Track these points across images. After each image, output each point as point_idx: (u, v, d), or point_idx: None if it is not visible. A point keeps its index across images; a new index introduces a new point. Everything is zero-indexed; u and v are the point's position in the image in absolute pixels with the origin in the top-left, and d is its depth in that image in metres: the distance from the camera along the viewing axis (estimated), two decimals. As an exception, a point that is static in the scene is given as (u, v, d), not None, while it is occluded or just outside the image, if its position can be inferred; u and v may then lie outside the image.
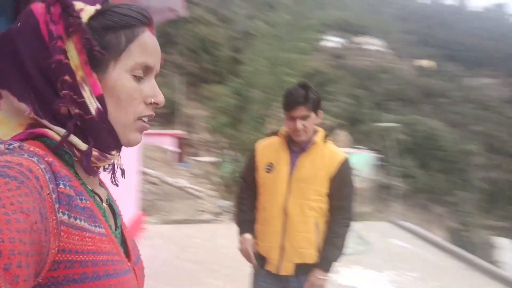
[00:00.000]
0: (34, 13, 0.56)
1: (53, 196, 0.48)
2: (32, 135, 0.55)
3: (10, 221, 0.36)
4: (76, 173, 0.58)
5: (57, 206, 0.48)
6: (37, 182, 0.45)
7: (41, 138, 0.55)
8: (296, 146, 1.99)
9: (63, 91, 0.55)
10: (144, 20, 0.61)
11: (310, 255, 1.93)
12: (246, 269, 2.24)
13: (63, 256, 0.48)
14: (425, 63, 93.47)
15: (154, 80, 0.64)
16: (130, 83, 0.59)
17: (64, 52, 0.55)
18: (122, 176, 0.69)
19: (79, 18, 0.56)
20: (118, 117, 0.59)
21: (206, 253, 5.07)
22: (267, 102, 11.88)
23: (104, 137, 0.59)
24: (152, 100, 0.62)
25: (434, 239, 6.18)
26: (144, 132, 0.65)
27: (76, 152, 0.58)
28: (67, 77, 0.55)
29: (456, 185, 35.66)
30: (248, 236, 2.03)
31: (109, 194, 0.70)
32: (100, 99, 0.57)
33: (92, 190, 0.61)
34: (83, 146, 0.57)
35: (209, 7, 40.21)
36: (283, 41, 12.55)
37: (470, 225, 25.77)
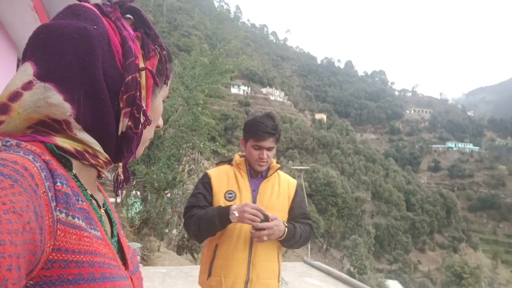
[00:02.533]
0: (101, 18, 0.58)
1: (49, 194, 0.47)
2: (42, 143, 0.54)
3: (1, 222, 0.36)
4: (75, 176, 0.57)
5: (53, 204, 0.47)
6: (32, 180, 0.44)
7: (45, 143, 0.54)
8: (255, 173, 1.97)
9: (137, 105, 0.59)
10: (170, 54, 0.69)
11: (274, 286, 1.88)
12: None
13: (58, 255, 0.47)
14: (320, 116, 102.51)
15: None
16: (161, 108, 0.69)
17: (140, 71, 0.59)
18: (126, 184, 0.71)
19: (164, 49, 0.64)
20: (146, 135, 0.66)
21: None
22: (181, 140, 11.72)
23: (133, 149, 0.62)
24: (159, 124, 0.72)
25: (343, 277, 6.51)
26: None
27: (87, 155, 0.59)
28: (137, 93, 0.59)
29: (351, 230, 38.49)
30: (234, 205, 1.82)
31: (106, 202, 0.70)
32: (147, 119, 0.62)
33: (89, 194, 0.61)
34: (103, 154, 0.60)
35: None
36: (199, 82, 12.75)
37: (365, 268, 27.76)
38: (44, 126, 0.54)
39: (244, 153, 2.01)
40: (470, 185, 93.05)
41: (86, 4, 0.58)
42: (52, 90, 0.52)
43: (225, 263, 1.85)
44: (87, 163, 0.59)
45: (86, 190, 0.60)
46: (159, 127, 0.73)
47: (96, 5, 0.59)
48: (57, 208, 0.48)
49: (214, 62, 13.28)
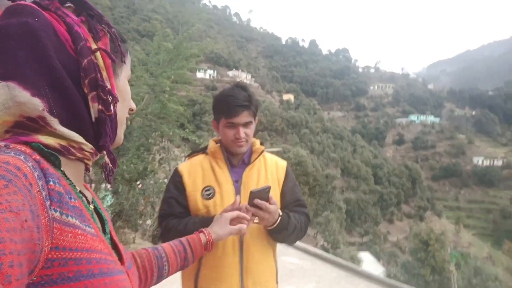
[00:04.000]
0: (41, 11, 0.57)
1: (44, 193, 0.47)
2: (24, 142, 0.53)
3: None
4: (64, 174, 0.57)
5: (48, 203, 0.48)
6: (25, 180, 0.44)
7: (29, 143, 0.53)
8: (236, 160, 1.67)
9: (101, 87, 0.59)
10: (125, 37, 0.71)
11: None
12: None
13: (57, 253, 0.47)
14: (287, 97, 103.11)
15: None
16: (129, 88, 0.70)
17: (93, 53, 0.59)
18: (111, 175, 0.71)
19: (112, 27, 0.63)
20: (120, 117, 0.66)
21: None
22: (149, 129, 11.49)
23: (108, 132, 0.62)
24: (132, 107, 0.73)
25: (318, 253, 6.74)
26: None
27: (73, 150, 0.58)
28: (98, 76, 0.59)
29: (323, 207, 39.51)
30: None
31: (95, 200, 0.70)
32: (115, 99, 0.62)
33: (80, 191, 0.61)
34: (88, 146, 0.60)
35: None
36: (164, 69, 12.44)
37: (338, 243, 28.69)
38: (21, 128, 0.53)
39: (219, 137, 1.72)
40: (433, 156, 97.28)
41: (22, 2, 0.57)
42: (16, 88, 0.51)
43: (213, 273, 1.58)
44: (73, 157, 0.59)
45: (75, 187, 0.60)
46: (132, 110, 0.74)
47: (34, 2, 0.58)
48: (52, 207, 0.48)
49: (178, 47, 12.96)
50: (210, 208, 1.58)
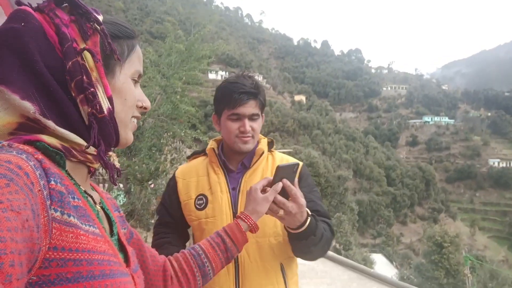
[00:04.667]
0: (33, 15, 0.57)
1: (45, 193, 0.47)
2: (28, 141, 0.53)
3: (0, 220, 0.36)
4: (68, 173, 0.57)
5: (48, 202, 0.47)
6: (27, 179, 0.44)
7: (33, 143, 0.54)
8: (234, 163, 1.44)
9: (87, 89, 0.57)
10: (137, 33, 0.69)
11: None
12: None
13: (55, 254, 0.47)
14: (299, 98, 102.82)
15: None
16: (132, 87, 0.66)
17: (80, 53, 0.57)
18: (118, 176, 0.69)
19: (101, 24, 0.61)
20: (122, 117, 0.63)
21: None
22: (161, 130, 11.58)
23: (110, 135, 0.61)
24: (143, 104, 0.69)
25: (330, 255, 6.68)
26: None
27: (74, 152, 0.58)
28: (84, 78, 0.57)
29: (335, 208, 39.26)
30: None
31: (103, 201, 0.70)
32: (110, 99, 0.61)
33: (85, 191, 0.61)
34: (80, 141, 0.58)
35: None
36: (176, 70, 12.53)
37: (350, 244, 28.44)
38: (25, 130, 0.54)
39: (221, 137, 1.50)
40: (447, 157, 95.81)
41: (21, 7, 0.57)
42: (6, 92, 0.52)
43: None
44: (75, 160, 0.59)
45: (80, 187, 0.60)
46: (145, 108, 0.71)
47: (32, 6, 0.59)
48: (52, 207, 0.48)
49: (190, 48, 13.06)
50: (202, 220, 1.38)
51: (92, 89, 0.58)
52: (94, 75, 0.59)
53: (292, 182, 1.09)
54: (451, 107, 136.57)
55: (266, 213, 1.08)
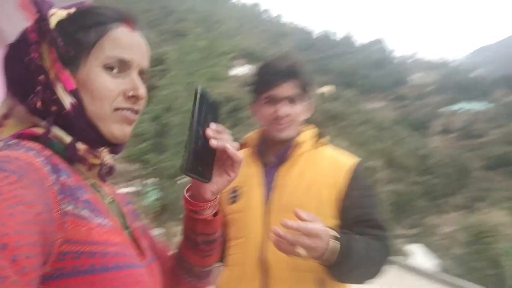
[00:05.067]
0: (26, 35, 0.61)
1: (56, 187, 0.48)
2: (23, 135, 0.56)
3: (13, 214, 0.36)
4: (78, 168, 0.59)
5: (60, 197, 0.48)
6: (37, 174, 0.46)
7: (39, 139, 0.56)
8: (271, 155, 1.30)
9: (36, 89, 0.57)
10: (116, 17, 0.63)
11: None
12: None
13: (69, 247, 0.48)
14: (326, 89, 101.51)
15: (137, 75, 0.64)
16: (102, 77, 0.60)
17: (37, 53, 0.58)
18: (111, 173, 0.67)
19: (46, 21, 0.59)
20: (95, 110, 0.60)
21: None
22: (187, 126, 11.62)
23: (84, 130, 0.59)
24: (131, 93, 0.62)
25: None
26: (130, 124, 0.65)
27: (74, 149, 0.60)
28: (41, 77, 0.57)
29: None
30: None
31: (113, 194, 0.70)
32: (75, 94, 0.59)
33: (95, 184, 0.62)
34: (67, 139, 0.59)
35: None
36: (198, 67, 12.57)
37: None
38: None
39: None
40: (483, 145, 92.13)
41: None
42: (14, 100, 0.60)
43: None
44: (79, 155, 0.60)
45: (89, 180, 0.61)
46: (136, 97, 0.64)
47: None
48: (64, 201, 0.49)
49: (211, 45, 13.10)
50: (233, 215, 1.27)
51: (47, 91, 0.58)
52: (53, 72, 0.58)
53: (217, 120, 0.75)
54: (484, 93, 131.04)
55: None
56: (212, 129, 0.68)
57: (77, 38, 0.59)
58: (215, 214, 0.76)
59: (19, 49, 0.59)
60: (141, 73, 0.65)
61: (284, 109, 1.22)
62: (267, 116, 1.25)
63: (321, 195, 1.22)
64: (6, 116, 0.59)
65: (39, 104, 0.57)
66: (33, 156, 0.48)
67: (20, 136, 0.56)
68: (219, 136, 0.68)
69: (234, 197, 1.29)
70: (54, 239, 0.45)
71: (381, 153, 64.47)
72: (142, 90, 0.63)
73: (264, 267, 1.17)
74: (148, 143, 11.83)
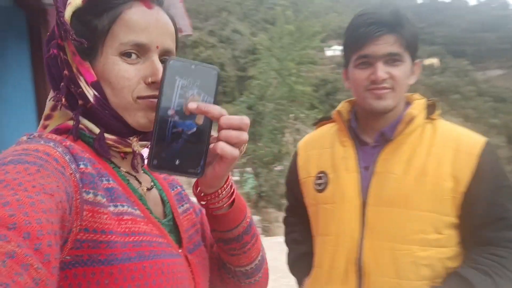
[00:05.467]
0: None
1: (77, 175, 0.48)
2: (59, 130, 0.58)
3: (34, 203, 0.37)
4: (112, 158, 0.60)
5: (80, 185, 0.48)
6: (57, 164, 0.46)
7: (71, 132, 0.58)
8: (370, 133, 1.07)
9: (61, 84, 0.58)
10: None
11: None
12: (291, 282, 1.44)
13: (86, 235, 0.47)
14: (430, 61, 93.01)
15: (157, 58, 0.58)
16: (119, 66, 0.57)
17: (59, 47, 0.58)
18: (143, 163, 0.66)
19: (61, 13, 0.56)
20: (117, 101, 0.58)
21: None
22: (280, 113, 11.76)
23: (110, 122, 0.58)
24: (151, 80, 0.57)
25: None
26: None
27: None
28: (66, 71, 0.57)
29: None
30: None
31: (157, 182, 0.69)
32: (96, 86, 0.57)
33: (127, 173, 0.61)
34: (96, 131, 0.58)
35: (209, 30, 41.00)
36: (288, 52, 12.52)
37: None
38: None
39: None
40: None
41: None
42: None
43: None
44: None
45: (120, 169, 0.60)
46: (157, 82, 0.56)
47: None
48: (84, 189, 0.49)
49: (300, 27, 12.90)
50: (320, 206, 1.09)
51: (72, 85, 0.58)
52: (75, 66, 0.57)
53: (212, 96, 0.54)
54: None
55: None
56: (192, 105, 0.51)
57: (92, 26, 0.56)
58: (230, 206, 0.62)
59: (48, 44, 0.59)
60: (166, 53, 0.60)
61: (382, 70, 0.97)
62: (362, 81, 1.00)
63: (436, 187, 0.96)
64: (53, 108, 0.60)
65: (63, 98, 0.57)
66: (52, 146, 0.48)
67: (57, 131, 0.58)
68: (204, 112, 0.51)
69: (321, 184, 1.09)
70: (71, 227, 0.45)
71: (501, 128, 57.00)
72: (159, 75, 0.57)
73: (358, 272, 0.99)
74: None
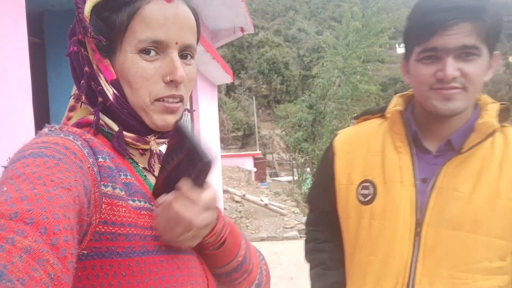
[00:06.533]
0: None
1: (95, 169, 0.48)
2: (81, 124, 0.58)
3: (52, 197, 0.37)
4: (131, 154, 0.60)
5: (98, 178, 0.48)
6: (75, 157, 0.46)
7: (92, 126, 0.58)
8: (433, 139, 0.91)
9: (81, 81, 0.57)
10: None
11: None
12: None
13: (106, 227, 0.48)
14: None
15: (176, 54, 0.57)
16: (137, 64, 0.55)
17: (80, 44, 0.57)
18: (159, 162, 0.65)
19: (81, 9, 0.55)
20: (135, 101, 0.57)
21: (295, 269, 4.93)
22: (342, 113, 11.51)
23: (128, 121, 0.58)
24: (169, 78, 0.56)
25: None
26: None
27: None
28: (86, 68, 0.57)
29: None
30: None
31: None
32: (115, 84, 0.56)
33: (144, 169, 0.61)
34: (115, 128, 0.58)
35: (275, 29, 41.16)
36: (354, 49, 12.18)
37: None
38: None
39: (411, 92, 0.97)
40: None
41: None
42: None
43: None
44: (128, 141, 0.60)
45: (138, 164, 0.60)
46: (174, 81, 0.56)
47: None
48: (103, 182, 0.49)
49: (367, 23, 12.45)
50: (364, 219, 0.94)
51: (92, 82, 0.57)
52: (95, 63, 0.57)
53: (200, 184, 0.52)
54: None
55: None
56: (178, 192, 0.51)
57: (110, 22, 0.55)
58: (220, 247, 0.60)
59: (70, 40, 0.58)
60: (186, 48, 0.58)
61: (452, 66, 0.79)
62: (426, 78, 0.83)
63: (509, 211, 0.83)
64: (77, 100, 0.60)
65: (83, 95, 0.57)
66: (71, 140, 0.48)
67: (79, 124, 0.58)
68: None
69: (367, 195, 0.93)
70: (90, 220, 0.45)
71: None
72: (180, 73, 0.55)
73: (409, 278, 0.87)
74: (304, 131, 12.16)
